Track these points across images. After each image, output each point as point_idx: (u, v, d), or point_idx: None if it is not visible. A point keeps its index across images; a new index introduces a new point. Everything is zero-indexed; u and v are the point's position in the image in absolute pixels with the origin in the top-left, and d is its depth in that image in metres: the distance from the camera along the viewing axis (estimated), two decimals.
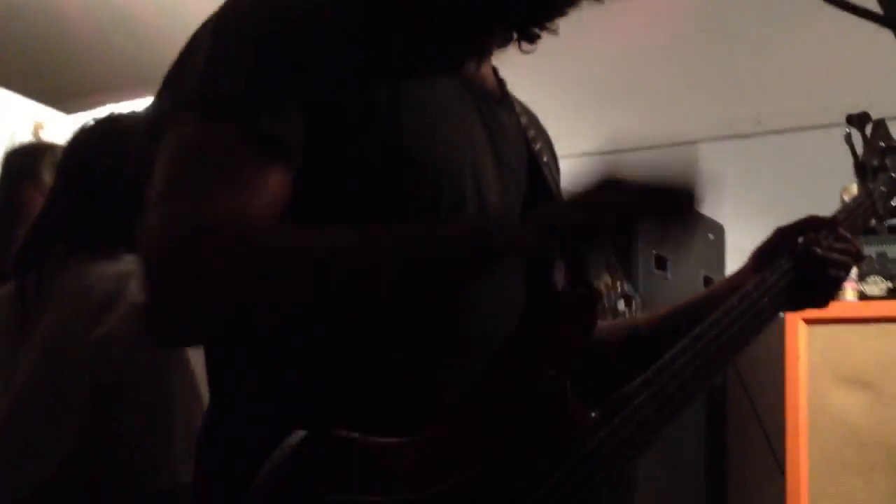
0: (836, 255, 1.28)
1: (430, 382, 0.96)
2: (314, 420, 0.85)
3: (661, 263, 2.72)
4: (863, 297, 2.66)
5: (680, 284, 2.78)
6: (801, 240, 1.29)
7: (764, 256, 1.28)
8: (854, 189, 1.72)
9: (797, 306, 1.27)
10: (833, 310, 2.59)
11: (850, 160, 1.54)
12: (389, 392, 0.95)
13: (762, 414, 2.75)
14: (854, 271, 2.63)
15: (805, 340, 2.65)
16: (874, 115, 1.56)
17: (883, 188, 1.49)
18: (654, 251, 2.70)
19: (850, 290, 2.65)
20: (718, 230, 3.05)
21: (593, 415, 0.98)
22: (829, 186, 2.05)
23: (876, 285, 2.67)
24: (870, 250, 2.67)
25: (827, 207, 1.48)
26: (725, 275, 3.01)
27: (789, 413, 2.62)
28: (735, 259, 3.01)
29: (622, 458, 0.99)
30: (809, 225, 1.30)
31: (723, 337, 1.12)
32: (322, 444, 0.83)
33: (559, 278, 1.07)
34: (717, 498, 2.98)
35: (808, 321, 2.64)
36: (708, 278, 2.94)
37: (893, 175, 1.51)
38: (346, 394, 0.94)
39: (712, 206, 2.93)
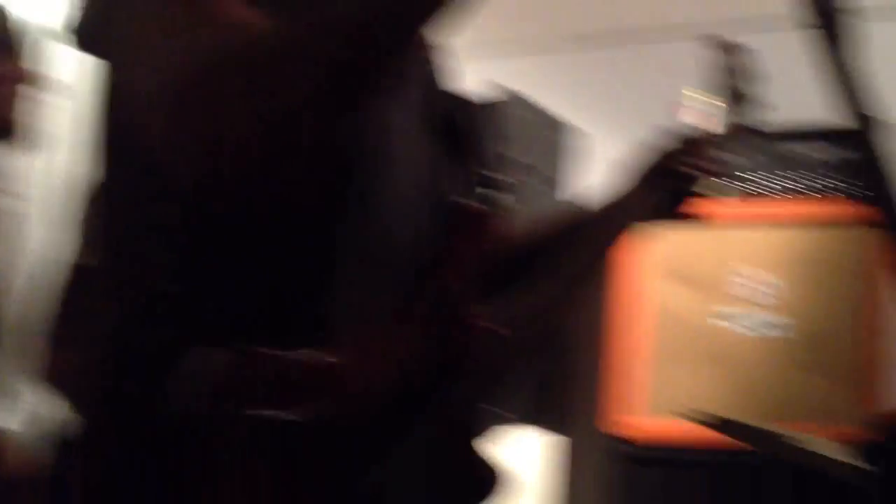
0: (702, 174, 1.34)
1: (338, 298, 0.96)
2: (221, 338, 0.84)
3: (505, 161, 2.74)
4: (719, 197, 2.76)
5: (527, 185, 2.81)
6: (669, 157, 1.34)
7: (635, 173, 1.32)
8: (699, 98, 1.77)
9: (664, 220, 1.33)
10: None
11: (703, 74, 1.59)
12: (297, 308, 0.94)
13: (593, 308, 2.83)
14: None
15: (662, 236, 2.73)
16: (734, 29, 1.61)
17: (738, 109, 1.56)
18: (501, 150, 2.72)
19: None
20: (563, 130, 3.09)
21: (492, 328, 1.01)
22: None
23: (713, 188, 2.77)
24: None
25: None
26: (573, 175, 3.09)
27: (621, 307, 2.72)
28: (595, 166, 3.08)
29: (512, 366, 1.03)
30: (679, 143, 1.35)
31: (602, 248, 1.17)
32: (237, 359, 0.84)
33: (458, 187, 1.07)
34: (543, 388, 3.09)
35: None
36: (551, 178, 2.99)
37: (746, 97, 1.59)
38: (253, 310, 0.93)
39: (571, 112, 2.97)
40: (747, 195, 2.74)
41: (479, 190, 1.09)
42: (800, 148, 2.71)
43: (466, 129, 1.13)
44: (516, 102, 2.74)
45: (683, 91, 1.82)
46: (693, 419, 2.02)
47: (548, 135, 2.95)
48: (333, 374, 0.89)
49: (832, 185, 2.68)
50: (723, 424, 2.11)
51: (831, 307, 2.61)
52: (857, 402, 2.55)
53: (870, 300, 2.57)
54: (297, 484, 0.88)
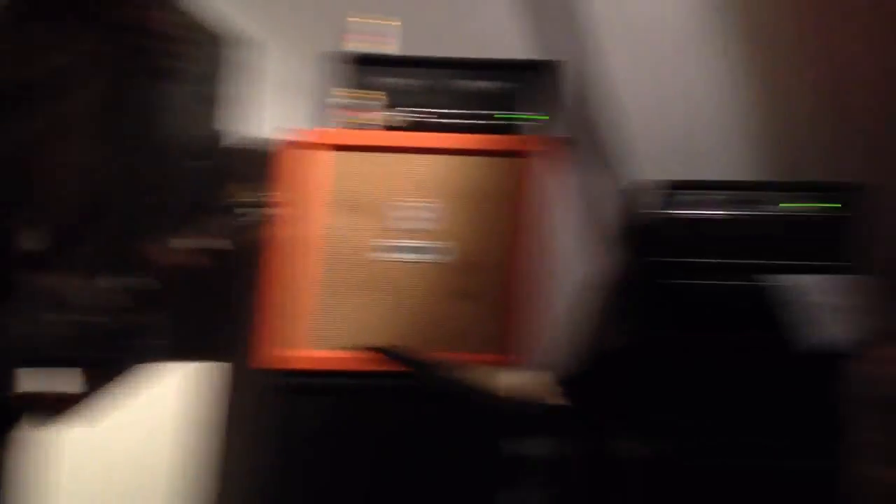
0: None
1: None
2: None
3: None
4: (388, 127, 2.74)
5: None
6: None
7: None
8: (368, 23, 1.73)
9: None
10: (359, 138, 2.66)
11: None
12: None
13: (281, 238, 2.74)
14: (384, 102, 2.70)
15: (331, 167, 2.67)
16: None
17: None
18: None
19: (378, 120, 2.70)
20: (227, 40, 2.89)
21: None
22: None
23: (401, 117, 2.76)
24: (397, 82, 2.74)
25: None
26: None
27: (306, 237, 2.65)
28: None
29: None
30: None
31: None
32: None
33: None
34: (203, 318, 2.95)
35: (337, 147, 2.66)
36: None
37: None
38: None
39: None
40: (406, 125, 2.77)
41: None
42: (457, 79, 2.77)
43: None
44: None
45: (349, 18, 1.77)
46: (357, 349, 2.03)
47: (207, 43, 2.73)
48: None
49: (486, 116, 2.78)
50: (385, 352, 2.14)
51: (483, 234, 2.72)
52: (506, 329, 2.69)
53: (518, 228, 2.71)
54: None
